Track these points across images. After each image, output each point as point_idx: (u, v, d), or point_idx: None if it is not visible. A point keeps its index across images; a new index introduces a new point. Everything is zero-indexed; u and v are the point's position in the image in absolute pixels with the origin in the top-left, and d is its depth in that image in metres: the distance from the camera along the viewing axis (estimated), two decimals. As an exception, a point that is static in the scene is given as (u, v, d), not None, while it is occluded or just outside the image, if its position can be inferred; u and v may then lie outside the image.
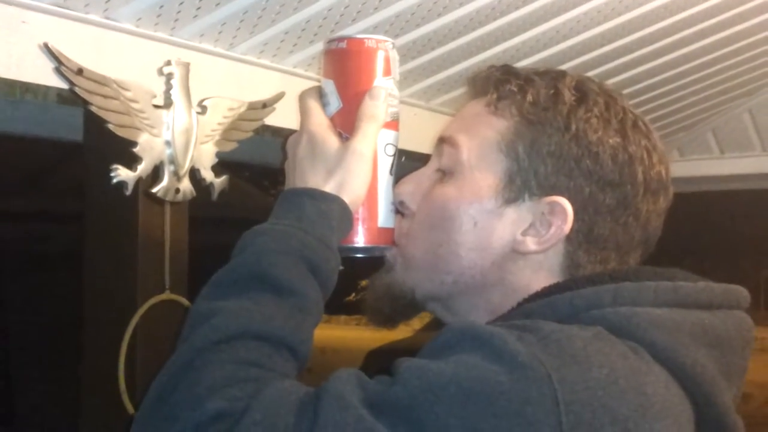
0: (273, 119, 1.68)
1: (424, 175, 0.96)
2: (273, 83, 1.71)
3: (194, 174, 1.49)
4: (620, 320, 0.80)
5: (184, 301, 1.46)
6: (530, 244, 0.89)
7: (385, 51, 0.94)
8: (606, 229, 0.89)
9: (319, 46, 1.73)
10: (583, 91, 0.90)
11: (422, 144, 2.40)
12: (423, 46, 1.89)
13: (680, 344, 0.80)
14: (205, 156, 1.50)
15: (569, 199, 0.87)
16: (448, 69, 2.07)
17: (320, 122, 0.93)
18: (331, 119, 0.94)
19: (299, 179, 0.92)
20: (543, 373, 0.73)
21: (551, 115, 0.89)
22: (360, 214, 0.93)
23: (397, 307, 0.98)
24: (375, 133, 0.92)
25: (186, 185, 1.47)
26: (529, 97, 0.89)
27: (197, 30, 1.50)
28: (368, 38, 0.95)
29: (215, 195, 1.54)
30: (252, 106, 1.60)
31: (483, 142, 0.91)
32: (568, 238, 0.89)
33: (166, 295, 1.43)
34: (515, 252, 0.89)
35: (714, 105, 3.06)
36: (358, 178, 0.91)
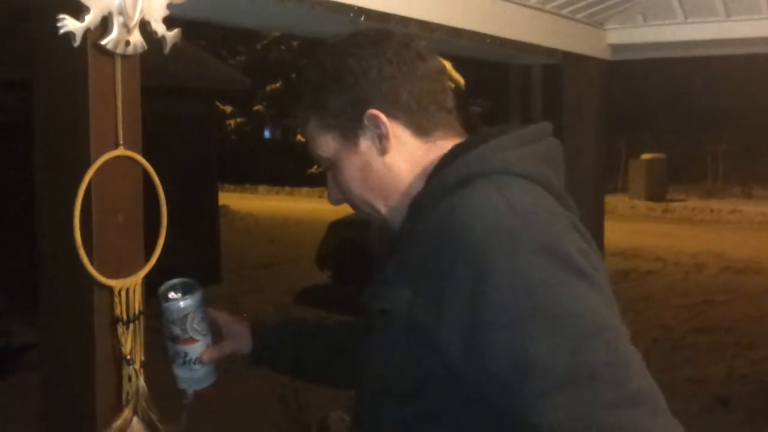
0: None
1: (330, 178, 1.39)
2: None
3: (145, 27, 1.44)
4: (511, 164, 1.21)
5: (138, 156, 1.44)
6: (389, 141, 1.29)
7: None
8: (399, 90, 1.28)
9: None
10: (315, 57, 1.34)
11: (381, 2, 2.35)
12: None
13: (544, 170, 1.24)
14: (155, 7, 1.44)
15: (369, 106, 1.28)
16: None
17: None
18: None
19: None
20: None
21: (307, 89, 1.35)
22: None
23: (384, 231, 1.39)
24: None
25: (137, 38, 1.42)
26: (304, 98, 1.35)
27: None
28: None
29: (167, 49, 1.49)
30: (204, -45, 1.54)
31: (317, 139, 1.35)
32: (395, 119, 1.29)
33: (120, 151, 1.41)
34: (388, 153, 1.30)
35: (679, -33, 3.01)
36: None
